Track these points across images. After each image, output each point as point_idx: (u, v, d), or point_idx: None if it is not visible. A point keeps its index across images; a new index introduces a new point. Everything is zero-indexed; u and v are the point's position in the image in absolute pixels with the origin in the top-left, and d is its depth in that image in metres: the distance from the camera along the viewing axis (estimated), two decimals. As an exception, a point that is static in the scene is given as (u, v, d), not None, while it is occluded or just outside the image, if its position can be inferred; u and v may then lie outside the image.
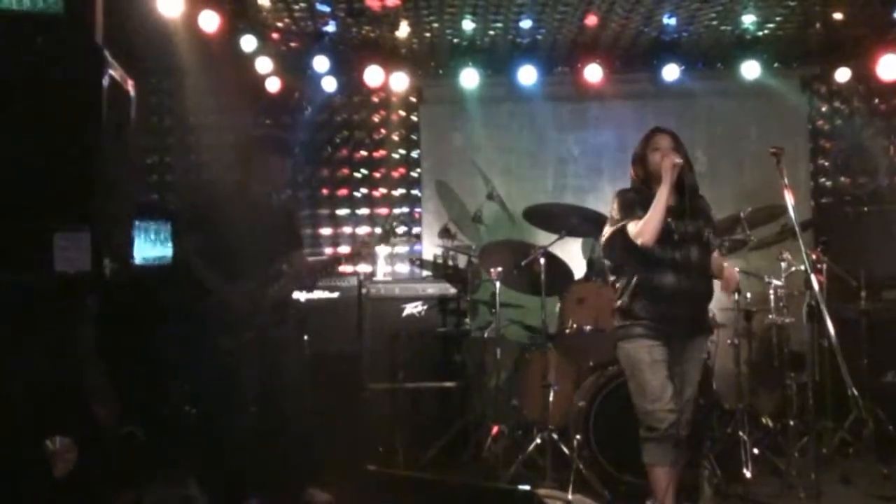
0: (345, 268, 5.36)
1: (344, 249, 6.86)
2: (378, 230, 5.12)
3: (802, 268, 3.76)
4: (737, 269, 4.63)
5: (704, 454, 4.90)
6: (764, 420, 5.77)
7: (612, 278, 4.62)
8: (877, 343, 6.08)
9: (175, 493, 3.99)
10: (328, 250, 7.06)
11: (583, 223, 5.54)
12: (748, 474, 5.13)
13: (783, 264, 5.69)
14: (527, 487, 2.84)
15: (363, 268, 6.75)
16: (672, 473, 4.22)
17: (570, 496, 2.98)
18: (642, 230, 4.19)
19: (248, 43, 6.46)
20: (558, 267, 5.59)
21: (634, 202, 4.30)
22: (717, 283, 4.46)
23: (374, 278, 6.57)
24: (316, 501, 4.85)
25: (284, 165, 5.11)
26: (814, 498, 3.73)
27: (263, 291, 4.73)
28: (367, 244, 5.11)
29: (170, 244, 5.44)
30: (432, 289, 6.16)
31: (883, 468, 5.44)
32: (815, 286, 3.54)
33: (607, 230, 4.42)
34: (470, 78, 6.97)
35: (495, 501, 2.88)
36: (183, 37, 5.93)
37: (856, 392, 3.32)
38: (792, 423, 5.48)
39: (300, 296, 5.54)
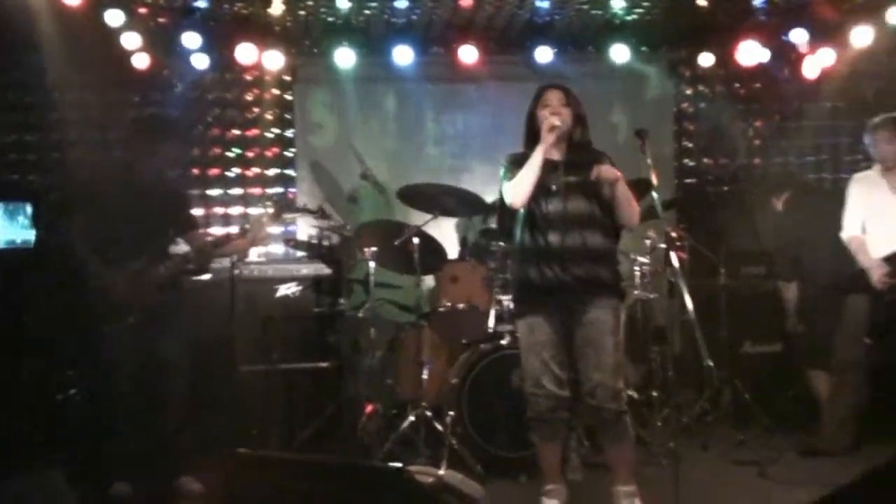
0: (241, 248, 5.23)
1: (232, 230, 6.71)
2: (269, 209, 4.99)
3: (664, 245, 3.87)
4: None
5: (572, 426, 5.03)
6: (629, 392, 5.97)
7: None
8: (735, 316, 6.35)
9: (38, 484, 3.84)
10: (217, 231, 6.89)
11: (456, 203, 5.59)
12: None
13: (648, 242, 5.90)
14: (398, 465, 2.86)
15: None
16: (557, 450, 4.26)
17: (441, 472, 3.03)
18: (511, 190, 4.09)
19: (114, 17, 6.25)
20: (432, 246, 5.63)
21: (517, 163, 4.16)
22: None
23: (247, 259, 6.47)
24: (187, 490, 4.80)
25: (174, 146, 5.01)
26: (674, 464, 3.87)
27: (150, 273, 4.64)
28: (262, 223, 5.00)
29: (31, 226, 5.23)
30: (306, 269, 6.11)
31: (739, 434, 5.75)
32: (675, 263, 3.66)
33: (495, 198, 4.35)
34: (345, 57, 6.91)
35: (367, 479, 2.89)
36: (44, 10, 5.70)
37: (710, 363, 3.48)
38: (655, 394, 5.70)
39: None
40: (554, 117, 4.10)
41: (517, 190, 4.07)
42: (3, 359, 4.85)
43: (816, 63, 7.05)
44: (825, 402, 5.65)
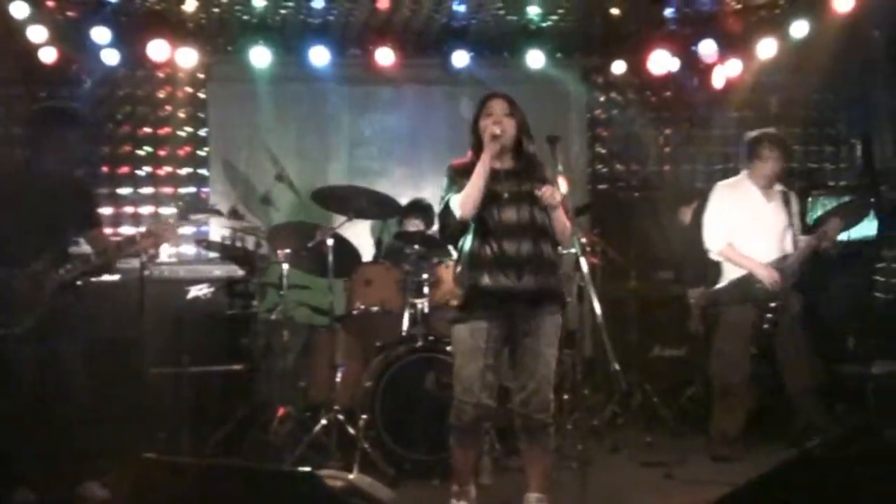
0: (146, 249, 5.11)
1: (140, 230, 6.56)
2: (174, 210, 4.90)
3: (574, 251, 3.93)
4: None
5: (485, 430, 5.06)
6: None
7: (454, 256, 4.47)
8: (646, 320, 6.51)
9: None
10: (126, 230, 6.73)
11: (371, 206, 5.58)
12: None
13: (560, 248, 5.98)
14: (307, 469, 2.85)
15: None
16: (473, 455, 4.25)
17: (351, 476, 3.02)
18: (461, 202, 4.07)
19: (19, 10, 6.08)
20: (346, 249, 5.61)
21: (463, 172, 4.13)
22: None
23: (158, 260, 6.34)
24: (91, 496, 4.68)
25: (77, 140, 4.86)
26: (583, 467, 3.94)
27: (50, 275, 4.50)
28: (169, 224, 4.89)
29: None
30: (219, 271, 6.04)
31: (647, 436, 5.87)
32: (585, 268, 3.71)
33: (438, 207, 4.34)
34: (260, 56, 6.82)
35: (275, 484, 2.86)
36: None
37: (617, 367, 3.53)
38: (566, 397, 5.78)
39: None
40: (496, 126, 4.08)
41: (466, 201, 4.06)
42: None
43: (724, 73, 7.27)
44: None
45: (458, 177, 4.16)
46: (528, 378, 4.09)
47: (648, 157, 7.83)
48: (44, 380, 4.57)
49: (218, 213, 5.23)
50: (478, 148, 4.17)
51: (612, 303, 6.68)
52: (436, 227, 5.04)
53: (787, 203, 5.50)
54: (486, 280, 4.07)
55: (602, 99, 7.86)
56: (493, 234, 4.08)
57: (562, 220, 4.08)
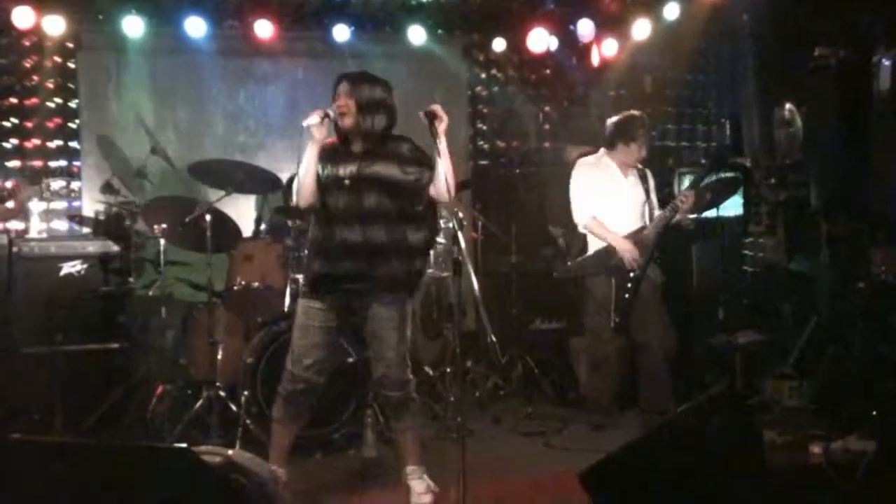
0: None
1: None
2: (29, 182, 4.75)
3: (452, 225, 3.97)
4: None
5: (367, 402, 5.10)
6: (425, 368, 6.11)
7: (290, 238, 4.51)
8: (526, 294, 6.63)
9: None
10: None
11: (250, 180, 5.51)
12: (409, 420, 5.43)
13: (441, 222, 6.04)
14: (183, 445, 2.81)
15: (14, 224, 6.26)
16: (290, 434, 4.27)
17: (230, 451, 2.99)
18: (295, 190, 4.09)
19: None
20: (226, 224, 5.52)
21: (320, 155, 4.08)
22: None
23: (28, 236, 6.11)
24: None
25: None
26: (461, 438, 4.01)
27: None
28: (16, 192, 4.71)
29: None
30: (93, 247, 5.83)
31: (528, 407, 6.01)
32: (462, 242, 3.75)
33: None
34: (133, 26, 6.53)
35: (149, 461, 2.82)
36: None
37: (494, 338, 3.59)
38: (449, 370, 5.86)
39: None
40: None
41: (299, 190, 4.08)
42: None
43: (601, 53, 7.44)
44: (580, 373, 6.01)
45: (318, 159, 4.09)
46: (377, 361, 4.18)
47: (529, 133, 7.95)
48: None
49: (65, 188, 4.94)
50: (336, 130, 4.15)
51: (494, 277, 6.83)
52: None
53: (643, 179, 5.68)
54: (320, 266, 4.10)
55: (483, 76, 7.91)
56: (331, 219, 4.07)
57: (443, 159, 3.95)
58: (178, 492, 2.70)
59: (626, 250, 5.44)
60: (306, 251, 4.27)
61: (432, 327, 6.37)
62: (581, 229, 5.66)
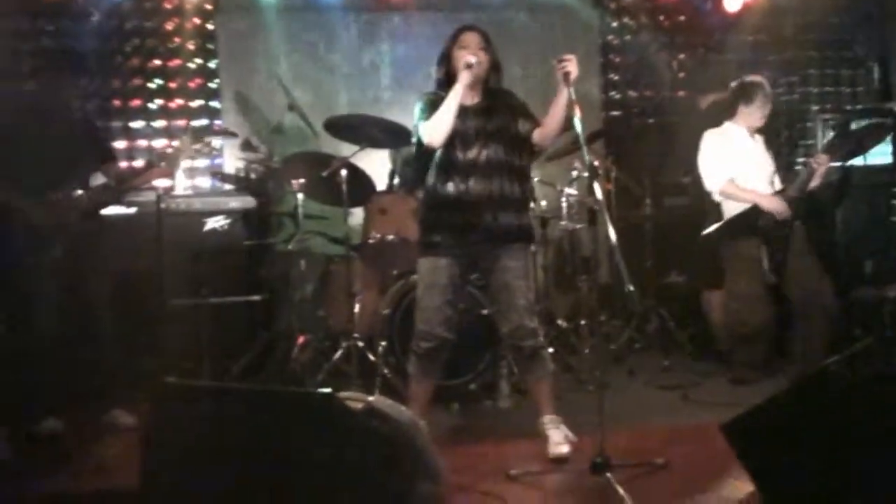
0: (158, 180, 5.17)
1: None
2: (179, 141, 4.95)
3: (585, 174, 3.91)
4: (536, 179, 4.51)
5: (501, 354, 5.12)
6: (559, 321, 6.09)
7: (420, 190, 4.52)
8: (660, 246, 6.50)
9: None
10: (124, 164, 6.74)
11: (384, 134, 5.55)
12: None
13: (574, 173, 5.99)
14: (327, 390, 2.88)
15: (161, 182, 6.53)
16: (428, 389, 4.33)
17: (371, 398, 3.06)
18: (430, 130, 4.08)
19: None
20: (361, 178, 5.60)
21: (435, 103, 4.12)
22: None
23: (174, 193, 6.37)
24: (118, 422, 4.80)
25: (76, 78, 4.86)
26: (600, 390, 3.99)
27: (70, 203, 4.55)
28: (177, 153, 4.92)
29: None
30: (234, 202, 6.04)
31: (664, 361, 5.92)
32: (598, 193, 3.68)
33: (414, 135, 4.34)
34: (268, -15, 6.75)
35: (295, 405, 2.90)
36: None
37: (631, 288, 3.52)
38: (583, 322, 5.82)
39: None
40: (469, 55, 4.07)
41: (436, 130, 4.06)
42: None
43: (738, -5, 7.16)
44: (718, 327, 5.84)
45: (430, 106, 4.15)
46: (506, 310, 4.19)
47: (662, 83, 7.74)
48: (70, 309, 4.66)
49: (229, 133, 5.20)
50: (446, 80, 4.19)
51: (627, 229, 6.70)
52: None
53: (766, 144, 5.56)
54: (445, 218, 4.14)
55: (615, 24, 7.72)
56: (455, 172, 4.11)
57: (560, 106, 4.00)
58: (324, 435, 2.77)
59: (775, 207, 5.28)
60: (423, 206, 4.31)
61: (565, 280, 6.33)
62: (716, 196, 5.52)
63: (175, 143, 5.21)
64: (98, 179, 4.92)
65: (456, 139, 4.10)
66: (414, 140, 4.34)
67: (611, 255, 3.92)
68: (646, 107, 7.72)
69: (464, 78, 4.05)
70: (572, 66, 3.87)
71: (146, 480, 2.93)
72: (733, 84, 5.60)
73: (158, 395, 3.12)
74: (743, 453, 3.21)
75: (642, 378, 5.74)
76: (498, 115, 4.17)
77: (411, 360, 4.33)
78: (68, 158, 4.67)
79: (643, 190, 6.44)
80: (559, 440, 4.18)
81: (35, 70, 4.78)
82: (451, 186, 4.13)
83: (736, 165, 5.47)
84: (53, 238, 4.54)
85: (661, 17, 7.69)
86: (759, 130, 5.62)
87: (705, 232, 5.61)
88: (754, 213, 5.37)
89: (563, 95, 3.92)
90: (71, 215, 4.61)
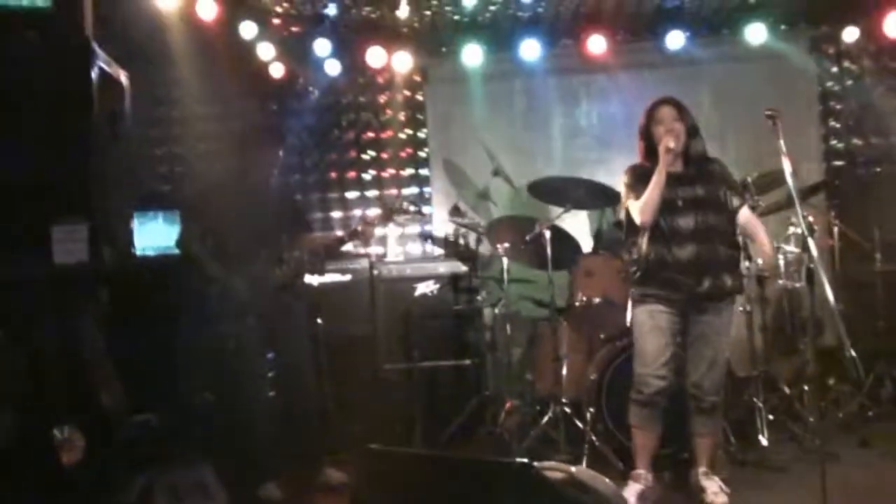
0: (352, 248, 5.37)
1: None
2: (377, 210, 5.14)
3: (801, 231, 3.68)
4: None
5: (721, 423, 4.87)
6: (781, 386, 5.73)
7: (625, 252, 4.59)
8: (893, 305, 6.01)
9: (188, 478, 4.02)
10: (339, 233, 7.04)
11: (588, 196, 5.50)
12: (764, 441, 5.12)
13: (791, 229, 5.66)
14: (525, 460, 2.84)
15: (374, 249, 6.78)
16: (653, 438, 4.36)
17: (573, 468, 2.97)
18: (641, 209, 4.25)
19: (248, 30, 6.49)
20: (566, 240, 5.57)
21: (640, 177, 4.31)
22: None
23: (386, 259, 6.59)
24: (331, 480, 4.92)
25: (275, 152, 5.11)
26: (831, 461, 3.69)
27: (267, 275, 4.76)
28: (369, 223, 5.08)
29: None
30: (443, 267, 6.16)
31: (902, 430, 5.41)
32: (813, 250, 3.46)
33: (621, 206, 4.53)
34: (473, 55, 6.94)
35: (492, 475, 2.88)
36: (180, 26, 5.96)
37: (853, 353, 3.27)
38: (807, 387, 5.44)
39: (312, 280, 5.54)
40: (669, 138, 4.22)
41: (645, 209, 4.23)
42: (161, 360, 5.03)
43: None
44: None
45: (636, 181, 4.34)
46: (699, 362, 4.31)
47: (890, 128, 7.23)
48: (279, 374, 4.85)
49: (418, 212, 5.30)
50: (648, 153, 4.36)
51: (856, 287, 6.25)
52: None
53: None
54: (658, 282, 4.27)
55: (834, 70, 7.32)
56: (667, 239, 4.25)
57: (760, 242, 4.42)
58: (521, 505, 2.73)
59: None
60: (636, 268, 4.39)
61: (785, 342, 5.95)
62: None
63: (368, 217, 5.36)
64: (296, 252, 5.12)
65: (665, 209, 4.25)
66: (622, 214, 4.53)
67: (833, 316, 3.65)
68: (872, 155, 7.22)
69: (665, 160, 4.21)
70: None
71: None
72: None
73: (363, 459, 3.19)
74: None
75: (878, 450, 5.25)
76: (705, 182, 4.31)
77: (631, 409, 4.38)
78: (266, 232, 4.87)
79: (872, 244, 6.00)
80: (715, 490, 4.25)
81: (240, 146, 5.04)
82: (664, 253, 4.26)
83: None
84: (249, 309, 4.73)
85: (887, 59, 7.21)
86: None
87: None
88: None
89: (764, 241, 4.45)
90: (268, 288, 4.79)
